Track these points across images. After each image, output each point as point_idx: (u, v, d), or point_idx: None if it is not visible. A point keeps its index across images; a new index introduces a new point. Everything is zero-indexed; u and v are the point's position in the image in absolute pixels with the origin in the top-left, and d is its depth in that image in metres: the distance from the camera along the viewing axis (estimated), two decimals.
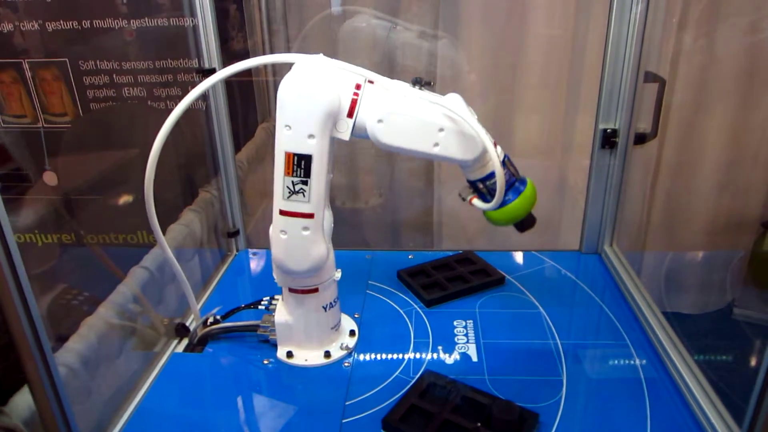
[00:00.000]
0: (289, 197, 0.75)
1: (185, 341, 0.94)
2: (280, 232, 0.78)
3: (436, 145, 0.74)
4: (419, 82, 0.75)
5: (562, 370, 0.83)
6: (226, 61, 1.16)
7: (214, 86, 1.12)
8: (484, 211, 0.82)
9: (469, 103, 0.77)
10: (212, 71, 1.11)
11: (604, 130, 1.07)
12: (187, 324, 0.95)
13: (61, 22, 1.09)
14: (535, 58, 1.61)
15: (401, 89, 0.75)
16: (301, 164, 0.72)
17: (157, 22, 1.11)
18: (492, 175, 0.77)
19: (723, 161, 1.65)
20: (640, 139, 1.07)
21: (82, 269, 1.21)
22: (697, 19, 1.25)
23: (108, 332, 0.83)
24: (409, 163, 1.76)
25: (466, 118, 0.72)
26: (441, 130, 0.73)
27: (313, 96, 0.70)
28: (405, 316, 0.97)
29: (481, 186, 0.80)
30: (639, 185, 1.31)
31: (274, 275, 0.84)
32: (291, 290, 0.84)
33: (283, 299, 0.87)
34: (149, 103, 1.19)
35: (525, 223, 0.82)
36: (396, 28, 1.63)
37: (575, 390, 0.79)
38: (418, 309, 0.99)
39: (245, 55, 1.68)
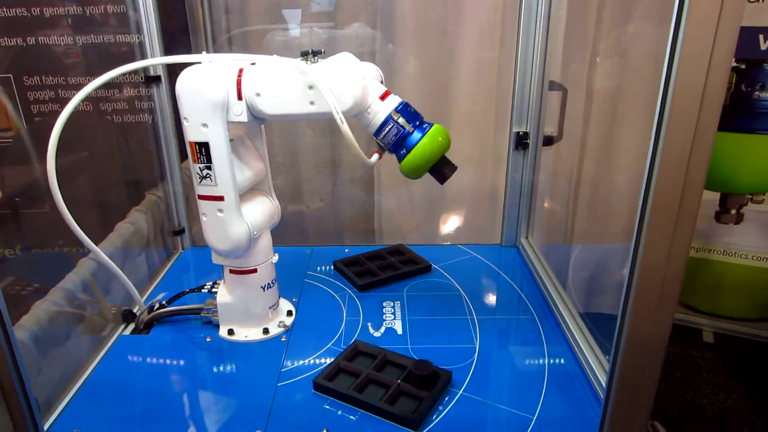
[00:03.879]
0: (200, 182, 0.84)
1: (132, 326, 0.99)
2: (203, 215, 0.86)
3: (312, 103, 0.78)
4: (307, 54, 0.78)
5: (475, 339, 0.94)
6: (172, 74, 1.24)
7: (159, 97, 1.21)
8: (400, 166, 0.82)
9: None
10: (158, 78, 1.19)
11: (517, 133, 1.20)
12: (134, 310, 1.01)
13: (5, 39, 1.14)
14: (466, 75, 1.75)
15: (276, 62, 0.80)
16: (202, 151, 0.81)
17: (103, 38, 1.18)
18: (379, 131, 0.79)
19: (635, 165, 1.83)
20: (548, 141, 1.21)
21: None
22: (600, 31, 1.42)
23: (57, 316, 0.88)
24: (350, 173, 1.86)
25: (316, 82, 0.75)
26: (311, 87, 0.77)
27: (198, 89, 0.79)
28: (339, 300, 1.07)
29: (377, 141, 0.81)
30: (554, 184, 1.45)
31: (213, 259, 0.92)
32: (232, 271, 0.92)
33: (224, 281, 0.95)
34: (95, 116, 1.24)
35: (438, 171, 0.79)
36: (312, 30, 1.74)
37: (486, 354, 0.90)
38: (352, 293, 1.09)
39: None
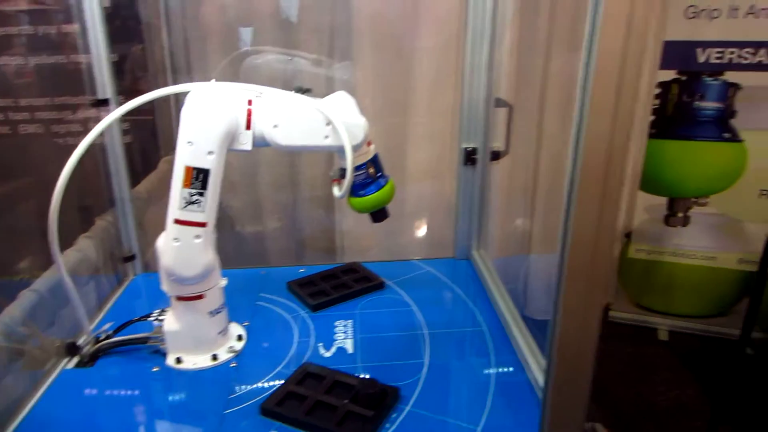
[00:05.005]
0: (185, 207, 0.83)
1: (76, 359, 0.97)
2: (173, 240, 0.85)
3: (327, 137, 0.85)
4: (300, 90, 0.86)
5: (425, 354, 0.95)
6: (128, 95, 1.23)
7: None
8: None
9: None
10: (106, 101, 1.17)
11: (466, 149, 1.23)
12: (79, 343, 0.99)
13: None
14: (424, 90, 1.78)
15: (287, 96, 0.86)
16: (199, 177, 0.82)
17: (51, 59, 1.16)
18: (355, 169, 0.88)
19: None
20: (496, 156, 1.24)
21: None
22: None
23: None
24: (310, 191, 1.86)
25: (332, 118, 0.83)
26: (328, 123, 0.84)
27: (214, 117, 0.81)
28: (291, 321, 1.06)
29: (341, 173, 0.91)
30: (503, 197, 1.49)
31: (163, 285, 0.91)
32: (179, 298, 0.91)
33: (171, 309, 0.94)
34: (47, 138, 1.22)
35: (377, 215, 0.95)
36: (292, 60, 1.76)
37: (435, 368, 0.91)
38: (304, 314, 1.09)
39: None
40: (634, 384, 1.93)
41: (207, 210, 0.83)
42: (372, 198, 0.91)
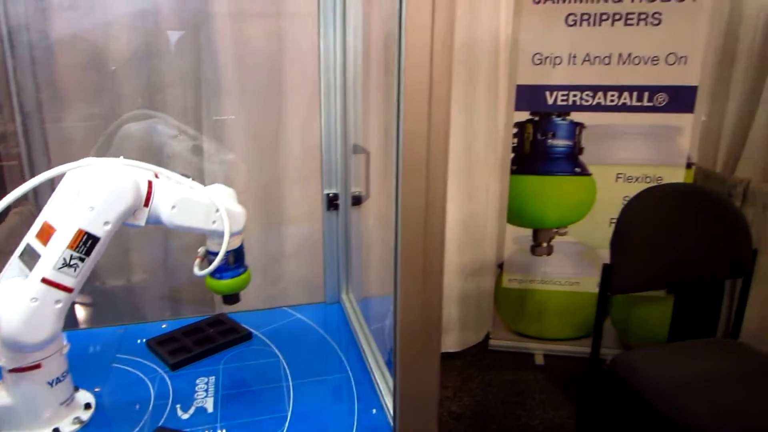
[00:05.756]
0: (59, 268, 0.79)
1: None
2: (31, 300, 0.79)
3: (214, 222, 0.91)
4: (183, 176, 0.91)
5: (288, 407, 0.94)
6: None
7: None
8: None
9: (238, 181, 0.93)
10: None
11: (328, 195, 1.26)
12: None
13: None
14: (294, 138, 1.81)
15: (181, 180, 0.90)
16: (87, 243, 0.80)
17: None
18: (215, 253, 0.93)
19: (462, 213, 2.00)
20: (357, 200, 1.28)
21: None
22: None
23: None
24: (182, 238, 1.80)
25: (219, 206, 0.91)
26: (217, 210, 0.91)
27: (124, 192, 0.81)
28: (149, 383, 1.01)
29: (210, 257, 0.95)
30: (366, 239, 1.53)
31: None
32: (11, 370, 0.84)
33: (2, 381, 0.86)
34: None
35: (227, 298, 1.00)
36: (178, 136, 1.73)
37: (296, 421, 0.90)
38: (163, 374, 1.04)
39: None
40: (513, 410, 2.03)
41: (79, 277, 0.82)
42: (224, 283, 0.97)
